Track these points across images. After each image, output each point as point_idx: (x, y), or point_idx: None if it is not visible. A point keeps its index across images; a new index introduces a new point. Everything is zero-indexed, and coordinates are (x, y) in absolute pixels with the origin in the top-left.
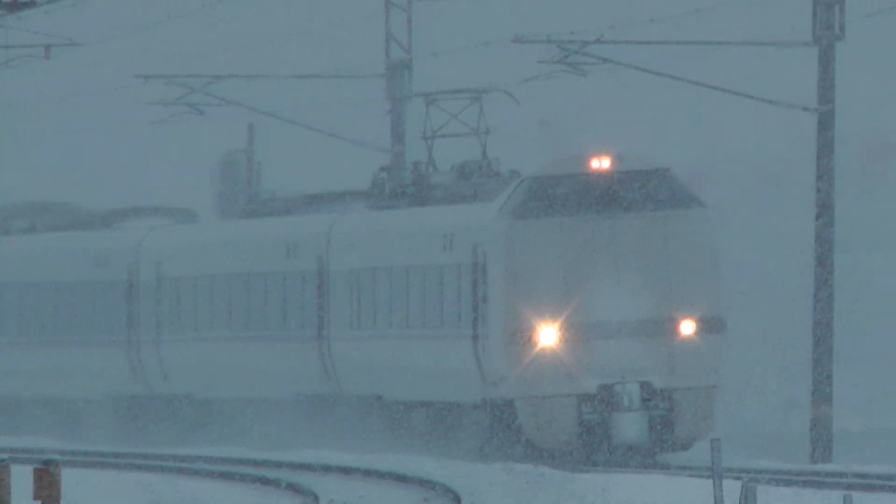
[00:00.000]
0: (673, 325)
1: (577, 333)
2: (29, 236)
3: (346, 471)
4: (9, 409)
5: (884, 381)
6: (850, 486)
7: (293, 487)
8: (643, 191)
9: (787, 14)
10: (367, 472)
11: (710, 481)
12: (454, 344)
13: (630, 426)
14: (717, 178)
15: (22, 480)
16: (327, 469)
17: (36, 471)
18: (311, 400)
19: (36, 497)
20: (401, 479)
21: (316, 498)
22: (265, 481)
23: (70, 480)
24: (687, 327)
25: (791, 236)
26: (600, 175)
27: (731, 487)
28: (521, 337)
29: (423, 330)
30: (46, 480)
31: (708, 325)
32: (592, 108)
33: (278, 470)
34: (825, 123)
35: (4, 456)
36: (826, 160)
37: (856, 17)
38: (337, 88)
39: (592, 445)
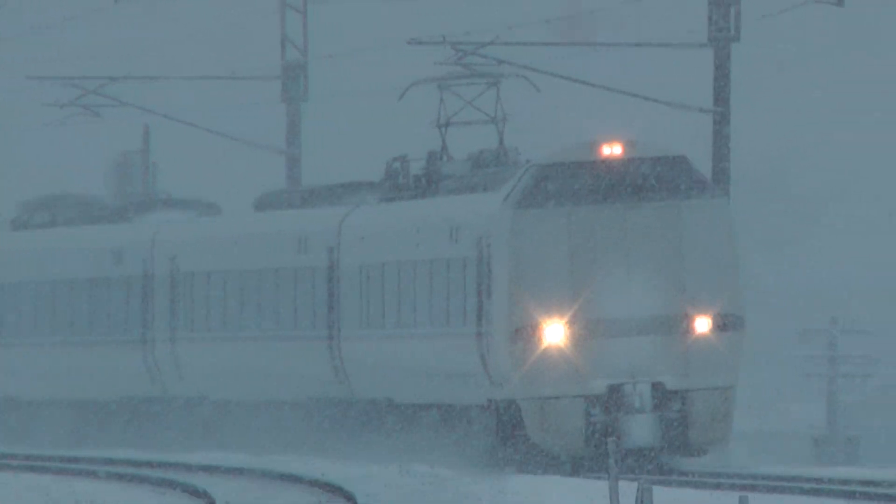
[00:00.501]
0: (687, 322)
1: (585, 330)
2: (47, 231)
3: (240, 472)
4: (27, 412)
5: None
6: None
7: (189, 489)
8: (656, 179)
9: (684, 17)
10: (263, 474)
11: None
12: (459, 342)
13: (640, 429)
14: None
15: None
16: (222, 470)
17: None
18: (323, 404)
19: None
20: (296, 480)
21: (211, 499)
22: (161, 483)
23: None
24: (702, 324)
25: None
26: (611, 162)
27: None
28: (525, 334)
29: (429, 328)
30: None
31: (725, 323)
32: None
33: (175, 471)
34: (720, 124)
35: None
36: (722, 162)
37: (751, 19)
38: (233, 90)
39: (601, 450)
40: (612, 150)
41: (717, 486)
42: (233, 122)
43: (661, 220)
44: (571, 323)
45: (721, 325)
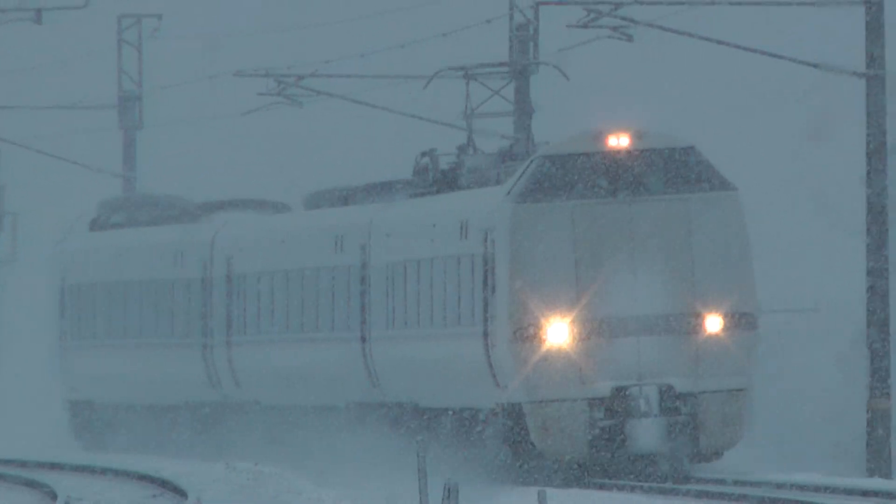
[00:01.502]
0: (698, 321)
1: (589, 330)
2: (119, 232)
3: (81, 469)
4: (104, 416)
5: None
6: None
7: (31, 484)
8: (666, 171)
9: None
10: (103, 470)
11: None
12: (468, 343)
13: (647, 434)
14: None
15: None
16: (63, 467)
17: None
18: (358, 409)
19: None
20: (134, 476)
21: (54, 495)
22: (2, 478)
23: None
24: (713, 323)
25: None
26: (618, 153)
27: None
28: (526, 334)
29: (442, 328)
30: None
31: (737, 322)
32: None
33: (19, 468)
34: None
35: None
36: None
37: None
38: (75, 118)
39: (605, 455)
40: (619, 140)
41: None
42: (75, 148)
43: (669, 214)
44: (575, 322)
45: (733, 324)
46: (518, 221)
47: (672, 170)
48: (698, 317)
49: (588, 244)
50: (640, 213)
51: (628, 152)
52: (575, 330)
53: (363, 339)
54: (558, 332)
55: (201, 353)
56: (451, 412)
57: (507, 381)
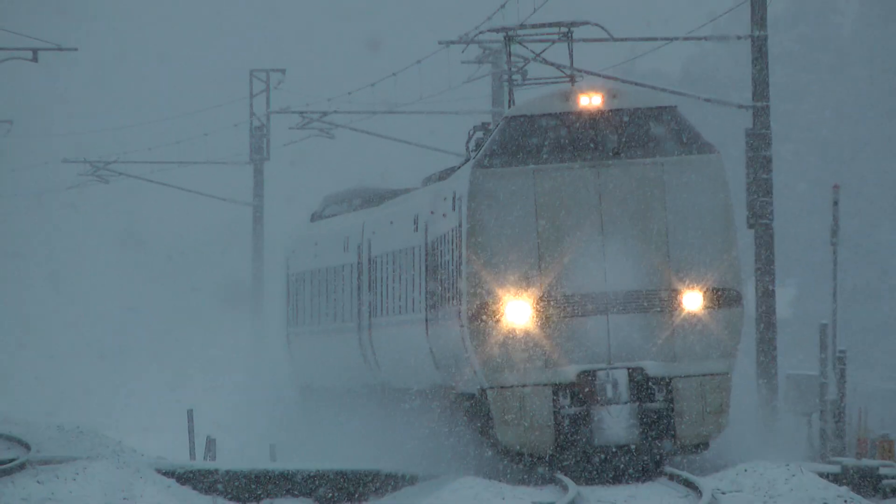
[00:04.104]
0: (674, 297)
1: (553, 308)
2: (324, 222)
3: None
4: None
5: None
6: None
7: None
8: (640, 133)
9: None
10: None
11: None
12: (448, 325)
13: (614, 423)
14: None
15: None
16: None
17: None
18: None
19: None
20: None
21: None
22: None
23: None
24: (692, 301)
25: None
26: (588, 114)
27: None
28: (485, 313)
29: (428, 312)
30: None
31: (719, 298)
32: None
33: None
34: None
35: None
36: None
37: None
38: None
39: (572, 447)
40: (591, 100)
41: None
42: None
43: (641, 179)
44: (538, 300)
45: (714, 302)
46: (475, 189)
47: (647, 131)
48: (675, 293)
49: (551, 213)
50: (609, 179)
51: (601, 112)
52: (537, 308)
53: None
54: (519, 311)
55: (357, 337)
56: (445, 398)
57: (472, 365)
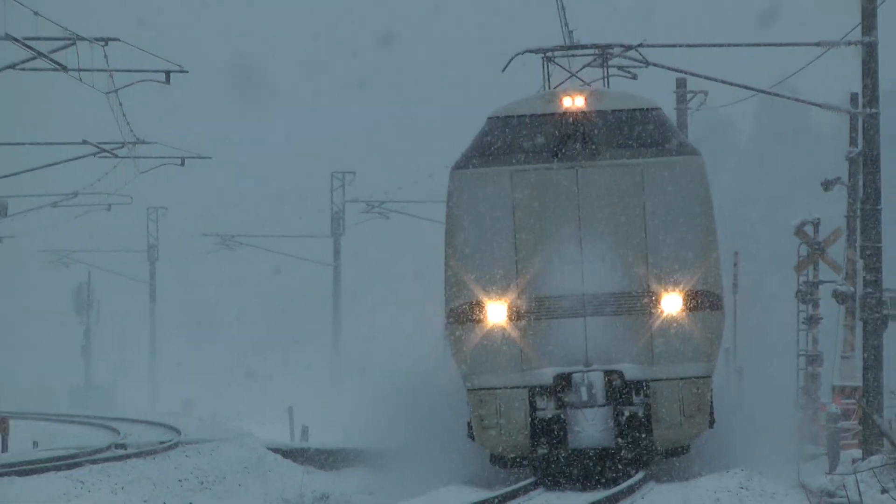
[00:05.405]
0: (653, 300)
1: (530, 311)
2: None
3: None
4: None
5: None
6: None
7: None
8: (621, 134)
9: None
10: None
11: None
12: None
13: (589, 426)
14: None
15: None
16: None
17: None
18: None
19: None
20: None
21: None
22: None
23: None
24: (671, 303)
25: None
26: (569, 115)
27: None
28: (462, 314)
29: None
30: None
31: (699, 301)
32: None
33: None
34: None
35: None
36: None
37: None
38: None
39: (548, 451)
40: (574, 101)
41: None
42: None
43: (620, 180)
44: (514, 302)
45: (693, 305)
46: (453, 190)
47: (627, 132)
48: (653, 296)
49: (529, 214)
50: (588, 180)
51: (582, 113)
52: (514, 310)
53: None
54: (496, 313)
55: None
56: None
57: (454, 366)
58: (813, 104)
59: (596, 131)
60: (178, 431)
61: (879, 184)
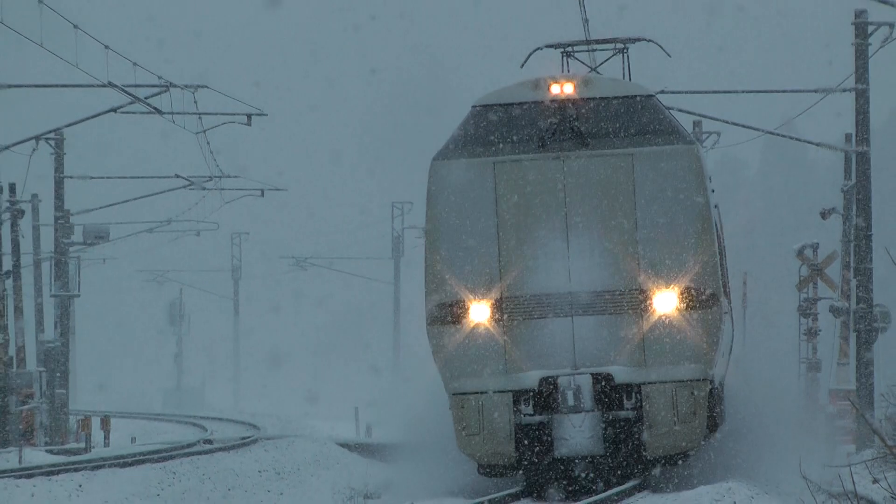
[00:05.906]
0: (644, 298)
1: (513, 310)
2: None
3: None
4: None
5: None
6: None
7: None
8: (611, 122)
9: None
10: None
11: None
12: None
13: (576, 433)
14: None
15: None
16: None
17: None
18: None
19: None
20: None
21: None
22: None
23: None
24: (664, 302)
25: None
26: (559, 103)
27: None
28: (442, 315)
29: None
30: None
31: (694, 300)
32: None
33: None
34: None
35: None
36: None
37: None
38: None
39: (534, 459)
40: (563, 88)
41: None
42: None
43: (610, 171)
44: (498, 301)
45: (688, 303)
46: (434, 181)
47: (618, 121)
48: (645, 294)
49: (513, 207)
50: (575, 171)
51: (572, 102)
52: (497, 310)
53: None
54: (478, 312)
55: None
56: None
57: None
58: (812, 143)
59: (585, 120)
60: (256, 428)
61: (870, 212)
